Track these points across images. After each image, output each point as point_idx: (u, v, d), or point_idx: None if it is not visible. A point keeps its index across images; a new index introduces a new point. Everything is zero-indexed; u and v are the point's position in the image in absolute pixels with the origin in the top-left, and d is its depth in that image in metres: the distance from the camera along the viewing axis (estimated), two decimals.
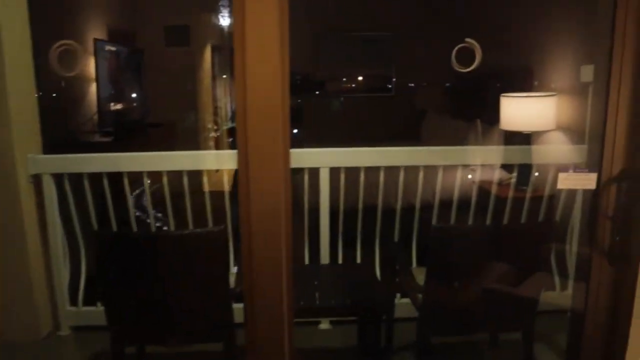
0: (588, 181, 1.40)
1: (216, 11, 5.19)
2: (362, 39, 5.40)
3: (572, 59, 3.43)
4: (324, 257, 2.84)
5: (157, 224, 3.05)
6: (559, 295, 2.96)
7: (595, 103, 1.49)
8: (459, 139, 4.09)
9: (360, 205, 2.88)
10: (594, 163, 1.47)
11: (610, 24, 1.41)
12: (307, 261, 2.91)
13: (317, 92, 5.81)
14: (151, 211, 2.84)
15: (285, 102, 1.29)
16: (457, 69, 1.87)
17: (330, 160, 2.77)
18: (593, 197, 1.42)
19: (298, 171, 2.88)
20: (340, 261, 2.92)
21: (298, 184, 2.93)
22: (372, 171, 2.86)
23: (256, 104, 1.27)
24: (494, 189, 3.33)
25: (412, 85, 5.60)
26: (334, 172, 2.81)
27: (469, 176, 3.24)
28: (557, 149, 3.17)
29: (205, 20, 5.37)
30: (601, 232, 1.45)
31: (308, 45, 5.32)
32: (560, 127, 3.42)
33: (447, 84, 5.32)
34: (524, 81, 3.94)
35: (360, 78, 5.58)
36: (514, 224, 2.74)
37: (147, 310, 2.00)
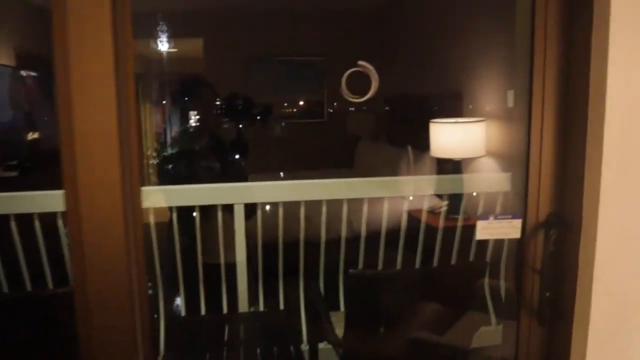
0: (512, 229, 1.16)
1: (137, 38, 4.81)
2: (295, 64, 5.15)
3: (502, 84, 3.29)
4: (243, 305, 2.51)
5: None
6: (495, 329, 2.75)
7: (517, 130, 1.26)
8: (391, 166, 3.88)
9: (281, 244, 2.58)
10: (518, 192, 1.24)
11: (528, 46, 1.19)
12: (225, 310, 2.57)
13: (258, 118, 5.50)
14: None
15: (128, 134, 1.00)
16: (349, 98, 1.60)
17: (244, 196, 2.47)
18: (518, 247, 1.18)
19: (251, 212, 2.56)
20: (262, 307, 2.60)
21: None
22: (296, 204, 2.58)
23: (87, 137, 0.97)
24: (426, 218, 3.11)
25: (353, 109, 5.39)
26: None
27: (410, 198, 3.01)
28: (485, 177, 2.98)
29: None
30: (528, 286, 1.20)
31: (240, 71, 5.04)
32: (490, 154, 3.25)
33: (387, 108, 5.13)
34: (456, 106, 3.78)
35: (301, 103, 5.33)
36: (441, 266, 2.51)
37: None
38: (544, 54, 1.17)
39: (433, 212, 3.28)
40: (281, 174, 4.52)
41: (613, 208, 1.11)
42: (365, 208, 2.57)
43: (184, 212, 2.53)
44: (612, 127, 1.07)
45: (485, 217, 1.14)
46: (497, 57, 3.24)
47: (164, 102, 5.83)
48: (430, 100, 4.10)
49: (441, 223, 2.76)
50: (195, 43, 4.80)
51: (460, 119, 3.22)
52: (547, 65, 1.16)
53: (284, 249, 2.60)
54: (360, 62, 1.53)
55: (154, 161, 5.71)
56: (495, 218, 1.15)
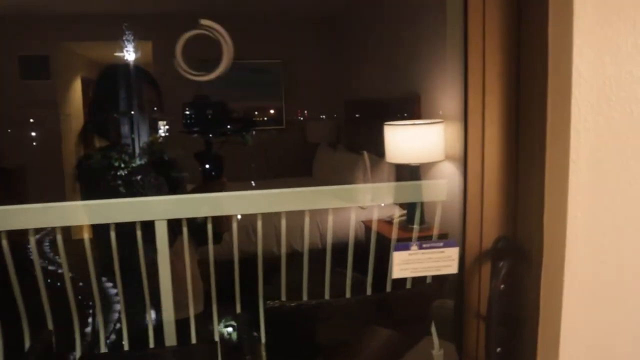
0: (446, 262, 0.80)
1: (83, 41, 4.41)
2: (250, 68, 4.77)
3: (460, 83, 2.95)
4: (170, 337, 2.11)
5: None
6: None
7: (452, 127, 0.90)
8: (348, 174, 3.53)
9: (212, 261, 2.19)
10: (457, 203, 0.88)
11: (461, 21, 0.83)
12: (152, 344, 2.16)
13: (228, 127, 5.08)
14: None
15: None
16: (188, 76, 1.20)
17: (166, 211, 2.07)
18: (458, 287, 0.82)
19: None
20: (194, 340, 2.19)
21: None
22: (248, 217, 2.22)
23: None
24: (382, 229, 2.76)
25: (324, 116, 5.02)
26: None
27: (365, 206, 2.64)
28: (419, 185, 2.62)
29: (71, 50, 4.57)
30: (471, 340, 0.84)
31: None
32: (450, 158, 2.91)
33: (357, 115, 4.78)
34: (415, 109, 3.44)
35: (259, 109, 4.94)
36: (381, 294, 2.15)
37: None
38: (482, 30, 0.81)
39: (390, 222, 2.95)
40: (252, 183, 4.15)
41: (585, 228, 0.76)
42: (307, 221, 2.20)
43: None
44: (582, 120, 0.72)
45: (404, 246, 0.78)
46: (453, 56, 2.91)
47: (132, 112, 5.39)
48: (390, 104, 3.77)
49: (394, 234, 2.41)
50: (145, 46, 4.39)
51: (416, 121, 2.88)
52: (487, 39, 0.80)
53: (227, 267, 2.22)
54: (205, 22, 1.14)
55: (121, 172, 5.26)
56: (420, 247, 0.79)
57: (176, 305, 2.07)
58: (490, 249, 0.80)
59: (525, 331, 0.81)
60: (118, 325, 2.17)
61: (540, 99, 0.75)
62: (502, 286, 0.80)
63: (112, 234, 2.10)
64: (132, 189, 2.27)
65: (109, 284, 2.27)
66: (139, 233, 2.11)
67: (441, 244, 0.79)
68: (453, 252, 0.80)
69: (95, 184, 2.00)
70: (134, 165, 2.24)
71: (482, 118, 0.78)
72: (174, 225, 2.08)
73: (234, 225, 2.18)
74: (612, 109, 0.72)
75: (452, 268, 0.80)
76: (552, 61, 0.72)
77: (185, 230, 2.10)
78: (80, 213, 2.11)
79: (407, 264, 0.78)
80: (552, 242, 0.78)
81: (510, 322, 0.81)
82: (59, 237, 2.04)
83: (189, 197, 2.10)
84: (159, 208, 2.07)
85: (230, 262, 2.19)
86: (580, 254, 0.77)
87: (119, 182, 2.09)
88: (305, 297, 2.25)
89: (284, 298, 2.28)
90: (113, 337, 2.27)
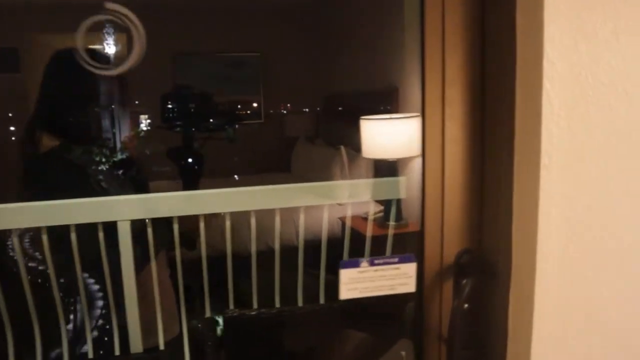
0: (402, 279, 0.69)
1: (55, 32, 4.22)
2: (226, 61, 4.62)
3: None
4: (135, 344, 1.98)
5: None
6: None
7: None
8: (326, 169, 3.41)
9: (179, 259, 2.07)
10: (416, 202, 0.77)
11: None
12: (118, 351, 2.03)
13: (211, 120, 4.91)
14: None
15: None
16: (93, 69, 1.07)
17: (129, 212, 1.94)
18: (416, 307, 0.72)
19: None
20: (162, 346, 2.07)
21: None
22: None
23: None
24: (358, 226, 2.65)
25: (307, 109, 4.89)
26: None
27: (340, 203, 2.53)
28: (376, 183, 2.52)
29: (42, 42, 4.38)
30: None
31: (168, 69, 4.48)
32: None
33: (336, 108, 4.66)
34: (395, 102, 3.33)
35: (237, 103, 4.79)
36: (351, 300, 2.03)
37: None
38: (441, 11, 0.70)
39: (365, 219, 2.86)
40: (236, 177, 4.01)
41: (558, 241, 0.66)
42: (277, 220, 2.08)
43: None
44: (555, 118, 0.61)
45: (353, 263, 0.67)
46: None
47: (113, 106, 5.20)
48: (369, 97, 3.66)
49: (369, 231, 2.31)
50: (121, 38, 4.23)
51: (392, 115, 2.77)
52: (447, 22, 0.69)
53: (201, 266, 2.10)
54: (110, 6, 1.01)
55: (102, 167, 5.09)
56: (372, 264, 0.68)
57: (148, 330, 1.88)
58: (452, 264, 0.70)
59: (492, 355, 0.70)
60: (101, 322, 2.04)
61: (507, 92, 0.64)
62: (466, 305, 0.70)
63: (73, 236, 1.96)
64: (91, 191, 2.09)
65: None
66: (101, 235, 1.98)
67: (396, 260, 0.68)
68: (410, 269, 0.69)
69: (48, 186, 1.85)
70: (94, 164, 2.08)
71: (442, 114, 0.67)
72: (143, 249, 1.87)
73: (202, 225, 2.06)
74: (589, 104, 0.61)
75: (409, 286, 0.70)
76: (521, 49, 0.61)
77: (149, 230, 1.97)
78: (37, 214, 1.96)
79: (356, 283, 0.67)
80: (521, 257, 0.67)
81: (475, 345, 0.71)
82: (16, 240, 1.91)
83: (150, 196, 1.97)
84: (120, 208, 1.95)
85: (208, 260, 2.07)
86: (552, 269, 0.66)
87: (76, 183, 1.93)
88: (277, 299, 2.14)
89: (255, 299, 2.16)
90: (95, 333, 2.14)
